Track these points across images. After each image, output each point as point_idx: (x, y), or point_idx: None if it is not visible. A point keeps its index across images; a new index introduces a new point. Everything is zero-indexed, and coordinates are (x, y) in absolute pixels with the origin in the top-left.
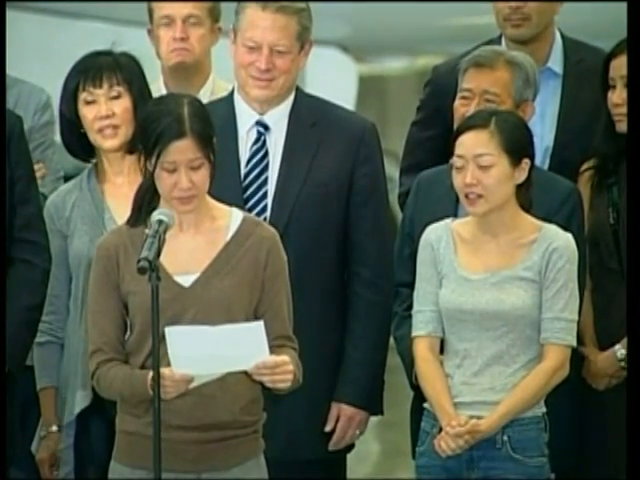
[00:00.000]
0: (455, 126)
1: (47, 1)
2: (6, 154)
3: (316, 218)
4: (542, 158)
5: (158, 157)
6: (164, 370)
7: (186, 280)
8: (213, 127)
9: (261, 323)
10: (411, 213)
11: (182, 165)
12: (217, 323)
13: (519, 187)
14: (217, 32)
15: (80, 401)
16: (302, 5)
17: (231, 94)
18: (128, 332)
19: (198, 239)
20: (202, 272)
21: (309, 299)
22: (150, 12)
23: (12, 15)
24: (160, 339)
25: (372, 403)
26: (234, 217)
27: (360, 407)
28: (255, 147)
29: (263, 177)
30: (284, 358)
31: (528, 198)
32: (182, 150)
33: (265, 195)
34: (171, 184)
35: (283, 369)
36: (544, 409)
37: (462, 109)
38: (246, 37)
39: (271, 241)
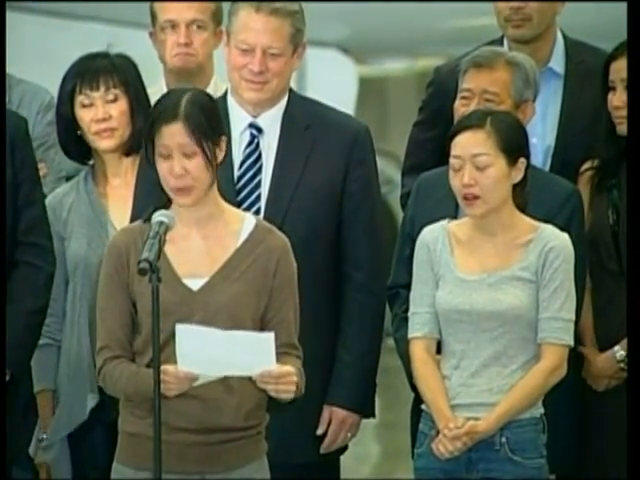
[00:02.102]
0: None
1: (45, 1)
2: (11, 156)
3: (309, 221)
4: (543, 159)
5: (154, 142)
6: (168, 367)
7: (195, 284)
8: (217, 120)
9: (272, 335)
10: (412, 214)
11: (175, 150)
12: (223, 328)
13: (515, 187)
14: (219, 35)
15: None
16: (295, 7)
17: (224, 96)
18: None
19: (209, 242)
20: (211, 277)
21: (301, 301)
22: (153, 15)
23: (10, 16)
24: (169, 338)
25: (364, 406)
26: (247, 222)
27: (352, 410)
28: (248, 150)
29: (256, 180)
30: (289, 369)
31: (523, 198)
32: (173, 134)
33: (258, 198)
34: (167, 171)
35: (287, 380)
36: (542, 410)
37: (462, 109)
38: (239, 39)
39: (282, 249)
